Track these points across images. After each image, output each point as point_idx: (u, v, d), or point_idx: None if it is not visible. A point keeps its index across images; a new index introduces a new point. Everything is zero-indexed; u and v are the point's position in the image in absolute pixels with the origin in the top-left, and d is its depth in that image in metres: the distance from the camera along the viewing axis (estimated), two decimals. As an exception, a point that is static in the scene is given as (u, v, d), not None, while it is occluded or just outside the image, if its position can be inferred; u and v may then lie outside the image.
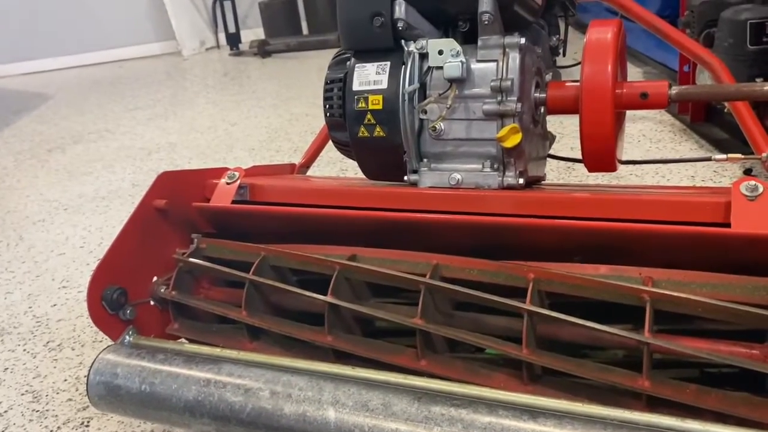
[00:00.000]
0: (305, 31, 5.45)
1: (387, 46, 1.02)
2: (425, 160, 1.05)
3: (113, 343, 1.05)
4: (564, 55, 1.32)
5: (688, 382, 0.78)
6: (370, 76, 1.03)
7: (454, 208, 0.97)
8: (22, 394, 1.41)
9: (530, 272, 0.86)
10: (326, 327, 0.94)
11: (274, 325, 0.99)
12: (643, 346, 0.76)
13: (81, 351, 1.54)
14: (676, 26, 2.13)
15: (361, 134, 1.05)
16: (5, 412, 1.36)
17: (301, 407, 0.83)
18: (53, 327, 1.66)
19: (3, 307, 1.80)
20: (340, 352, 0.95)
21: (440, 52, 0.99)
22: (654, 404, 0.77)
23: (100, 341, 1.54)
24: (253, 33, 5.54)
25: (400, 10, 1.00)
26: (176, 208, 1.11)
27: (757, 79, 1.88)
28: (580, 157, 1.02)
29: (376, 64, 1.03)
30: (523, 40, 0.97)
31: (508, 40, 0.98)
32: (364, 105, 1.03)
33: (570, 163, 1.91)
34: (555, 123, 1.26)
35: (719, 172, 1.96)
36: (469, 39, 1.02)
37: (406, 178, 1.06)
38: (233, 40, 5.46)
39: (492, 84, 0.96)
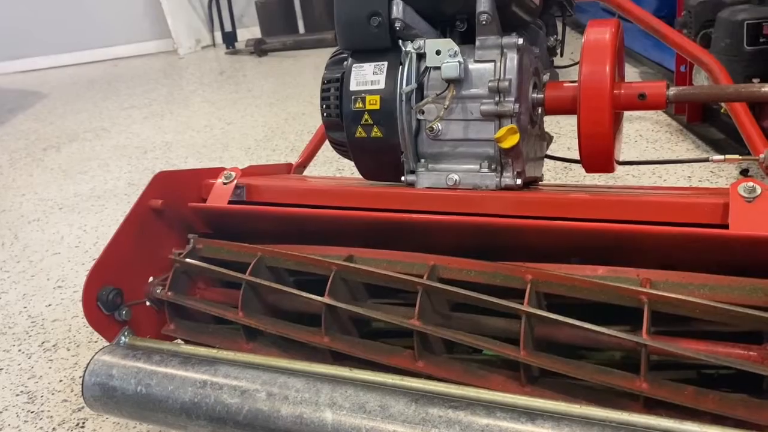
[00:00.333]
0: (302, 29, 5.44)
1: (384, 46, 1.02)
2: (423, 160, 1.04)
3: (109, 344, 1.04)
4: (561, 55, 1.32)
5: (685, 384, 0.78)
6: (367, 76, 1.03)
7: (452, 209, 0.97)
8: (17, 395, 1.41)
9: (528, 273, 0.86)
10: (323, 328, 0.93)
11: (270, 326, 0.99)
12: (640, 347, 0.76)
13: (76, 351, 1.53)
14: (673, 26, 2.13)
15: (358, 134, 1.05)
16: (0, 413, 1.36)
17: (298, 409, 0.82)
18: (48, 327, 1.66)
19: (-2, 306, 1.80)
20: (337, 353, 0.95)
21: (438, 53, 0.99)
22: (652, 406, 0.77)
23: (96, 342, 1.53)
24: (249, 31, 5.53)
25: (398, 9, 0.99)
26: (172, 208, 1.11)
27: (754, 80, 1.89)
28: (577, 157, 1.02)
29: (373, 64, 1.03)
30: (520, 41, 0.97)
31: (506, 40, 0.98)
32: (361, 105, 1.03)
33: (567, 163, 1.91)
34: (551, 123, 1.26)
35: (716, 173, 1.97)
36: (466, 39, 1.02)
37: (403, 178, 1.06)
38: (229, 38, 5.45)
39: (490, 84, 0.96)
